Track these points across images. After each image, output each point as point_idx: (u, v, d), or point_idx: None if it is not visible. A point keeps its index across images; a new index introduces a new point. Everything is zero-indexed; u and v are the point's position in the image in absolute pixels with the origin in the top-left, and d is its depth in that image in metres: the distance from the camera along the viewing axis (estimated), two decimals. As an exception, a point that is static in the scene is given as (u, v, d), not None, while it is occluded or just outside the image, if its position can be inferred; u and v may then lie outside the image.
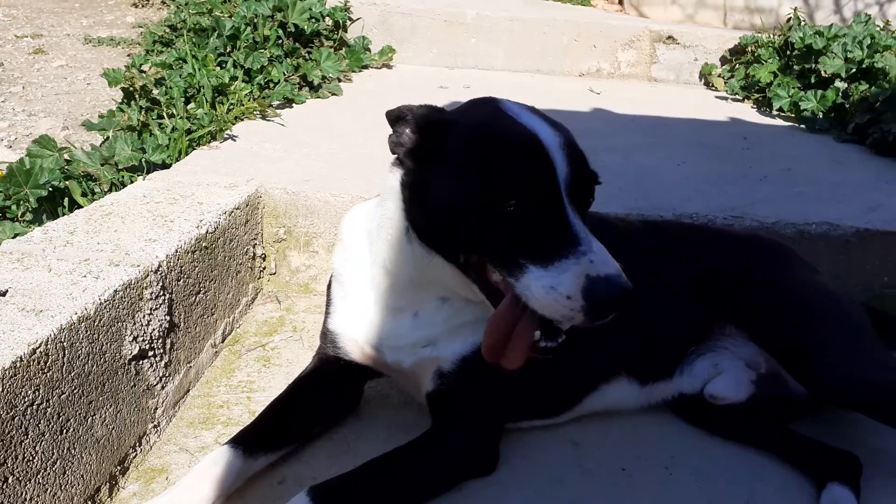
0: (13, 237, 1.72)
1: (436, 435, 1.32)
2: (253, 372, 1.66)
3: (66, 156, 1.93)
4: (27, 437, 0.99)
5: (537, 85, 3.87)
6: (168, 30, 4.97)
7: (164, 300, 1.37)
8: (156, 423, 1.39)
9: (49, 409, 1.03)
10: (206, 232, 1.58)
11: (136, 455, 1.32)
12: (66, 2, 6.77)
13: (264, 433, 1.29)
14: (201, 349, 1.60)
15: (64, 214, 1.83)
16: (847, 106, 3.12)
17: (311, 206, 1.96)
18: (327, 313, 1.43)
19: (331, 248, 2.00)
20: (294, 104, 2.94)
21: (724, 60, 4.17)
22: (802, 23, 3.98)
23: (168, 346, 1.41)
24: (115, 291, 1.20)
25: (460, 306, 1.27)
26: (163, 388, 1.40)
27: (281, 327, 1.87)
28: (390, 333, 1.32)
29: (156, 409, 1.38)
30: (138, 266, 1.30)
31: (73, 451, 1.10)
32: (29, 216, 1.82)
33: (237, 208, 1.76)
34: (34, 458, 1.01)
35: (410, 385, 1.42)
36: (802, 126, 3.19)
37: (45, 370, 1.02)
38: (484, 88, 3.64)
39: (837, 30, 3.63)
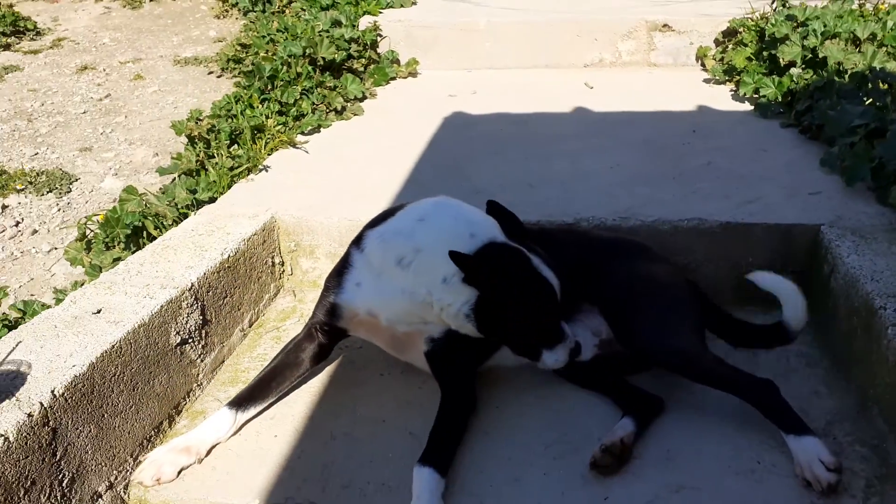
0: (112, 261, 2.58)
1: (456, 396, 2.00)
2: (268, 347, 2.45)
3: (143, 200, 2.78)
4: (113, 392, 1.80)
5: (542, 81, 4.45)
6: (239, 48, 5.85)
7: (197, 307, 2.17)
8: (199, 383, 2.20)
9: (125, 377, 1.85)
10: (229, 256, 2.36)
11: (186, 403, 2.14)
12: (160, 19, 7.76)
13: (254, 394, 2.05)
14: (231, 333, 2.40)
15: (144, 243, 2.68)
16: (795, 92, 3.53)
17: (311, 227, 2.71)
18: (334, 292, 2.08)
19: (329, 256, 2.75)
20: (321, 128, 3.69)
21: (717, 42, 4.57)
22: (786, 4, 4.30)
23: (203, 335, 2.22)
24: (162, 306, 2.01)
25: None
26: (202, 361, 2.21)
27: (293, 314, 2.65)
28: (394, 310, 2.00)
29: (198, 374, 2.20)
30: (178, 287, 2.10)
31: (141, 400, 1.92)
32: (122, 245, 2.67)
33: (254, 234, 2.54)
34: (118, 403, 1.83)
35: (396, 342, 2.11)
36: (758, 112, 3.62)
37: (120, 356, 1.83)
38: (489, 92, 4.26)
39: (811, 12, 3.97)
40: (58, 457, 1.61)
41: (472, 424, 2.01)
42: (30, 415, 1.53)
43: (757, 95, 3.73)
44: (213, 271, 2.28)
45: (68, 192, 3.85)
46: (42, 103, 5.27)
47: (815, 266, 2.42)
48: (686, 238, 2.51)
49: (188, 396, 2.16)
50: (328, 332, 2.14)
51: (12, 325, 2.23)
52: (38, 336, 1.84)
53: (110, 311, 1.96)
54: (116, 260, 2.59)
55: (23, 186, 3.84)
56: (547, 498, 1.78)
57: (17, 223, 3.55)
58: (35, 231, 3.49)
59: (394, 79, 4.57)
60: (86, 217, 2.79)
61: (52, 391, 1.61)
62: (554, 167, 3.08)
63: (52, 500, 1.60)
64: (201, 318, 2.20)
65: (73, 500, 1.67)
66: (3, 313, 2.46)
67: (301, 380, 2.18)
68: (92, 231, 2.75)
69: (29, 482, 1.53)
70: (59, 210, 3.67)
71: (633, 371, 2.18)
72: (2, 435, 1.46)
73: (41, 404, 1.57)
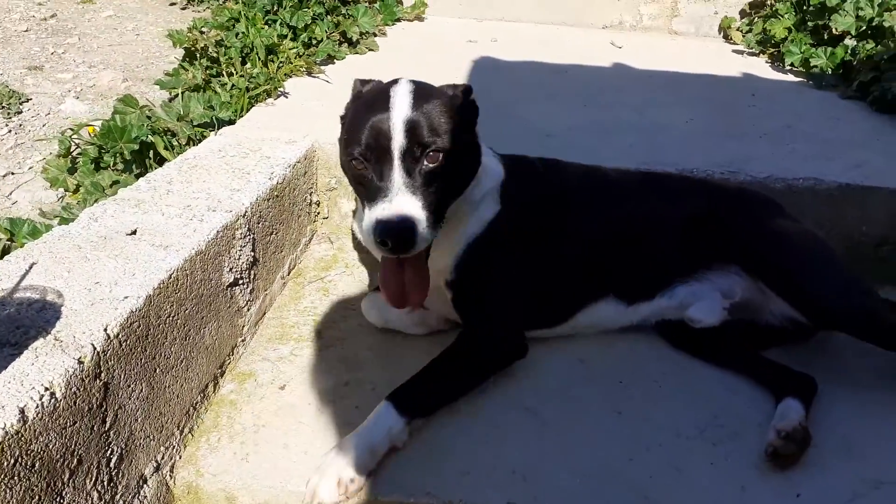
0: (111, 185, 2.05)
1: (469, 335, 1.61)
2: (315, 300, 1.99)
3: (146, 113, 2.23)
4: (167, 340, 1.31)
5: (562, 37, 4.08)
6: (209, -22, 5.19)
7: (249, 239, 1.69)
8: (243, 337, 1.72)
9: (178, 321, 1.36)
10: (277, 183, 1.88)
11: (230, 362, 1.66)
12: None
13: None
14: (273, 280, 1.92)
15: (150, 165, 2.14)
16: (854, 64, 3.31)
17: (359, 159, 2.24)
18: None
19: (375, 196, 2.29)
20: (335, 60, 3.20)
21: (743, 14, 4.33)
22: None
23: (252, 276, 1.73)
24: (217, 232, 1.52)
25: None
26: (248, 309, 1.73)
27: (335, 264, 2.18)
28: None
29: (244, 326, 1.71)
30: (230, 211, 1.61)
31: (192, 353, 1.43)
32: (121, 166, 2.13)
33: (298, 161, 2.05)
34: (171, 355, 1.34)
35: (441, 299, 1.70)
36: (811, 82, 3.38)
37: (176, 291, 1.34)
38: (510, 42, 3.86)
39: (854, -15, 3.77)
40: (107, 425, 1.12)
41: (514, 372, 1.65)
42: (80, 361, 1.04)
43: (805, 67, 3.50)
44: (264, 199, 1.79)
45: (19, 112, 3.20)
46: (-28, 18, 4.49)
47: (939, 238, 2.17)
48: (800, 199, 2.20)
49: (233, 353, 1.67)
50: None
51: (2, 251, 1.68)
52: (57, 258, 1.32)
53: (150, 232, 1.46)
54: (115, 183, 2.05)
55: (-39, 102, 3.16)
56: (724, 494, 1.42)
57: (-41, 143, 2.89)
58: (-18, 153, 2.85)
59: (399, 20, 4.10)
60: (71, 128, 2.21)
61: (106, 330, 1.11)
62: (622, 116, 2.73)
63: (98, 488, 1.11)
64: (252, 254, 1.71)
65: (119, 487, 1.18)
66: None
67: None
68: (78, 147, 2.19)
69: (75, 460, 1.04)
70: (9, 132, 3.03)
71: (765, 345, 1.85)
72: (47, 389, 0.96)
73: (93, 347, 1.07)
